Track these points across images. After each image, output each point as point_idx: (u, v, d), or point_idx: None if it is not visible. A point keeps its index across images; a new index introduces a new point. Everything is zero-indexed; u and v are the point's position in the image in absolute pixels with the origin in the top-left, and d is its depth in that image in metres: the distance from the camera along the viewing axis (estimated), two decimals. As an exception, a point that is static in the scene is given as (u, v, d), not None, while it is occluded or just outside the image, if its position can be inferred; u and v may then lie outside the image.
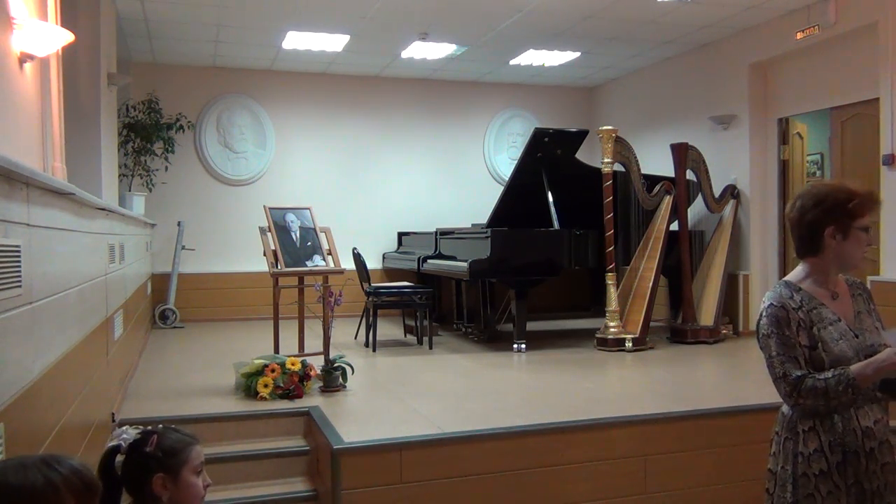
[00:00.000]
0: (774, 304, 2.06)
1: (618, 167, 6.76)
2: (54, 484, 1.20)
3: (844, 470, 1.99)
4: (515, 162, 7.41)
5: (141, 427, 1.78)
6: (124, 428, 1.77)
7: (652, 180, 7.00)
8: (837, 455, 2.00)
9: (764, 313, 2.09)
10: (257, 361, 4.54)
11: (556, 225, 6.67)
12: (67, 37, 3.36)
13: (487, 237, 6.29)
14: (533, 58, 8.32)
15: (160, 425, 1.82)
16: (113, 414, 3.86)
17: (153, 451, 1.72)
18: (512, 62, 8.53)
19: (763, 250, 7.30)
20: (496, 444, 3.68)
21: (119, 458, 1.73)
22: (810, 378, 1.98)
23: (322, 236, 5.66)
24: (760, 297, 7.79)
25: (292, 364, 4.53)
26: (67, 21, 4.11)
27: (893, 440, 2.08)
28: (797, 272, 2.14)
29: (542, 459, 3.72)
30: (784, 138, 7.21)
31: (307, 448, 3.96)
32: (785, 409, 2.13)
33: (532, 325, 6.78)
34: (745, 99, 7.31)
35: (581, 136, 7.08)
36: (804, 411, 2.02)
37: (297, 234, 5.59)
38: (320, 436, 3.76)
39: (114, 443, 1.72)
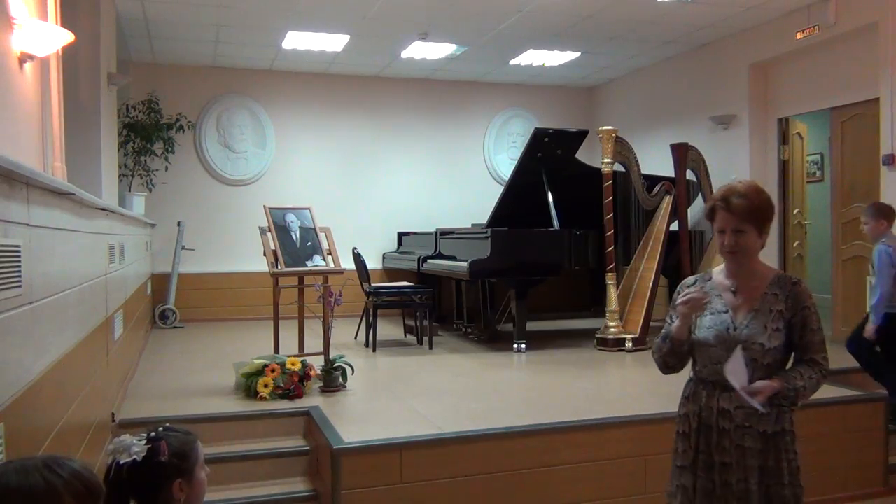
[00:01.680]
0: (680, 285, 2.44)
1: (618, 167, 6.76)
2: (54, 487, 1.19)
3: (697, 437, 2.30)
4: (515, 162, 7.41)
5: (143, 435, 1.74)
6: (124, 438, 1.72)
7: (652, 180, 7.00)
8: (694, 422, 2.31)
9: None
10: (257, 361, 4.54)
11: (556, 225, 6.67)
12: (67, 37, 3.36)
13: (487, 237, 6.29)
14: (533, 58, 8.32)
15: (159, 428, 1.79)
16: (113, 414, 3.86)
17: (167, 459, 1.70)
18: (512, 62, 8.53)
19: (763, 250, 7.28)
20: (496, 444, 3.68)
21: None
22: (659, 338, 2.39)
23: (322, 236, 5.66)
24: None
25: (292, 364, 4.52)
26: (67, 21, 4.10)
27: (759, 426, 2.23)
28: (722, 264, 2.41)
29: (542, 459, 3.73)
30: (784, 138, 7.21)
31: (307, 448, 3.96)
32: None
33: (532, 325, 6.78)
34: (746, 99, 7.31)
35: (581, 136, 7.08)
36: (662, 365, 2.39)
37: (297, 234, 5.59)
38: (320, 436, 3.76)
39: (126, 459, 1.67)
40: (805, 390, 2.17)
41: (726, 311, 2.26)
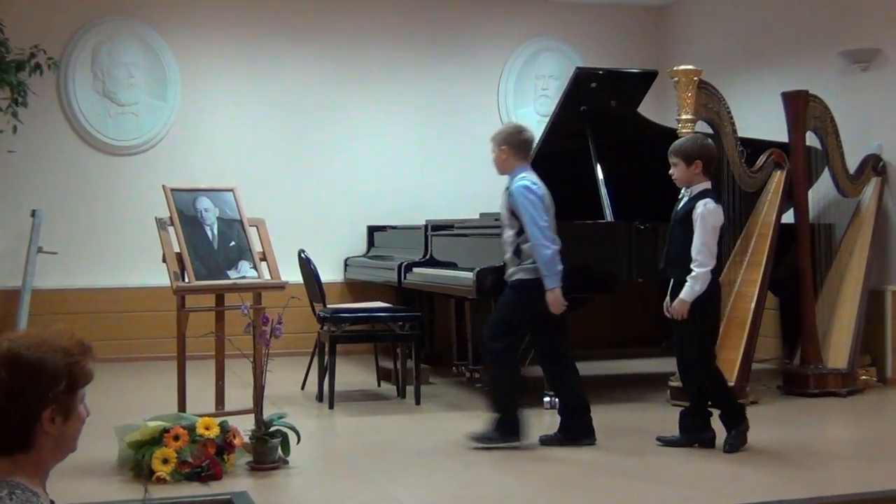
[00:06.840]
0: None
1: (702, 127, 6.74)
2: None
3: None
4: (547, 120, 7.41)
5: None
6: None
7: (754, 147, 6.99)
8: None
9: None
10: (152, 424, 4.54)
11: (608, 215, 6.65)
12: None
13: (504, 234, 6.27)
14: (573, -38, 8.33)
15: None
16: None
17: None
18: (541, -31, 8.54)
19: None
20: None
21: None
22: None
23: (252, 232, 5.64)
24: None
25: (206, 428, 4.54)
26: None
27: None
28: None
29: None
30: (954, 84, 7.23)
31: (228, 557, 3.94)
32: None
33: (572, 368, 6.78)
34: (894, 26, 7.31)
35: (647, 79, 7.09)
36: None
37: (215, 230, 5.57)
38: (249, 538, 3.74)
39: None
40: None
41: None
